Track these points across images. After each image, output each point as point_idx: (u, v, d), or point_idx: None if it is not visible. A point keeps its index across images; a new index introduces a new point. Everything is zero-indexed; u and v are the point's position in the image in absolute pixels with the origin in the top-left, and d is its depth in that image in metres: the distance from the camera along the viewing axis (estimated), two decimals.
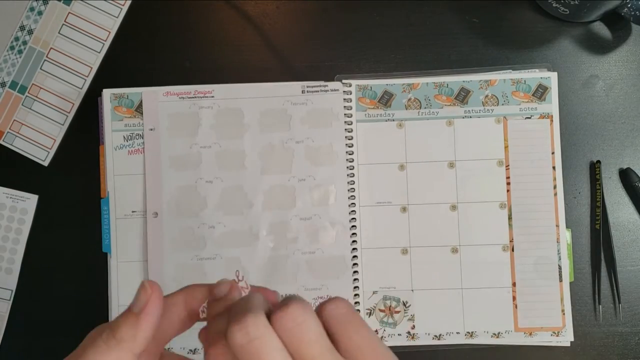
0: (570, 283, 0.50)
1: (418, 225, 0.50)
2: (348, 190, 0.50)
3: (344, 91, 0.51)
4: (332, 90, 0.51)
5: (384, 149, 0.51)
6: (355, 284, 0.50)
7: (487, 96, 0.51)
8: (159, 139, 0.51)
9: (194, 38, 0.53)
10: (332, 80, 0.52)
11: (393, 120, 0.51)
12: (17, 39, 0.53)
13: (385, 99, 0.51)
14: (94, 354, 0.25)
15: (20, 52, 0.53)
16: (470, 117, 0.51)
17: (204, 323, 0.28)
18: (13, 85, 0.53)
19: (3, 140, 0.53)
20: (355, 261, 0.50)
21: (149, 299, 0.25)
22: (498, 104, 0.51)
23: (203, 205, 0.50)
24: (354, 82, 0.51)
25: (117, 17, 0.53)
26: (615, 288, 0.51)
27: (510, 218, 0.50)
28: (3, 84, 0.53)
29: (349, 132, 0.51)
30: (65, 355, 0.26)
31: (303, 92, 0.51)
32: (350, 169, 0.51)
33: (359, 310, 0.50)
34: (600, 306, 0.51)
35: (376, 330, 0.50)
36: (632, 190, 0.51)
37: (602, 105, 0.52)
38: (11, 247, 0.52)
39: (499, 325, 0.50)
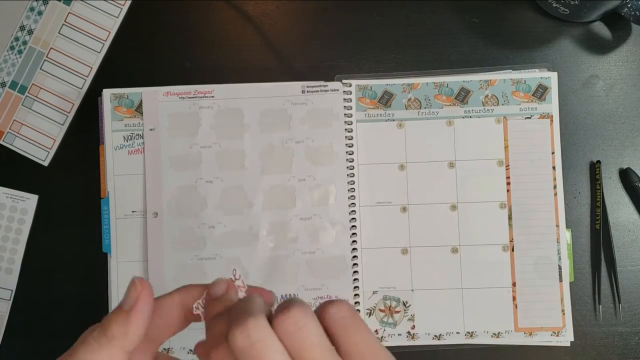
0: (570, 283, 0.50)
1: (418, 225, 0.50)
2: (348, 190, 0.50)
3: (344, 91, 0.51)
4: (332, 90, 0.51)
5: (384, 149, 0.51)
6: (355, 284, 0.50)
7: (487, 96, 0.51)
8: (159, 139, 0.51)
9: (194, 38, 0.53)
10: (332, 80, 0.52)
11: (393, 120, 0.51)
12: (17, 39, 0.53)
13: (385, 99, 0.51)
14: (85, 352, 0.25)
15: (20, 52, 0.53)
16: (470, 117, 0.51)
17: (201, 324, 0.27)
18: (13, 85, 0.53)
19: (3, 140, 0.53)
20: (355, 261, 0.50)
21: (139, 296, 0.25)
22: (498, 104, 0.51)
23: (203, 205, 0.50)
24: (354, 82, 0.51)
25: (117, 17, 0.53)
26: (615, 288, 0.51)
27: (510, 218, 0.50)
28: (3, 84, 0.53)
29: (349, 132, 0.51)
30: None
31: (303, 92, 0.51)
32: (350, 169, 0.51)
33: (359, 310, 0.50)
34: (600, 306, 0.51)
35: (376, 331, 0.50)
36: (632, 190, 0.51)
37: (602, 105, 0.52)
38: (11, 247, 0.52)
39: (499, 325, 0.50)
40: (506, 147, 0.51)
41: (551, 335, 0.50)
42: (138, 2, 0.53)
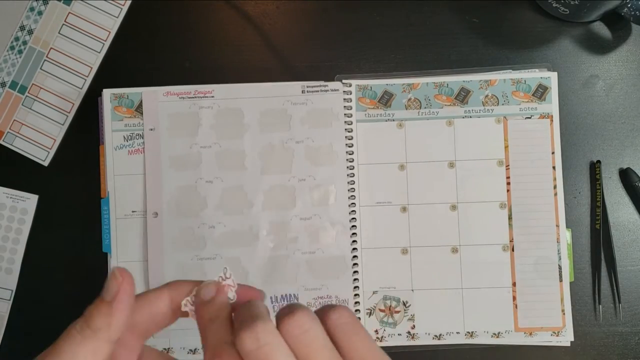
0: (570, 283, 0.50)
1: (418, 225, 0.50)
2: (348, 190, 0.50)
3: (344, 91, 0.51)
4: (332, 90, 0.51)
5: (384, 149, 0.51)
6: (355, 284, 0.50)
7: (487, 96, 0.51)
8: (159, 139, 0.51)
9: (194, 38, 0.53)
10: (332, 80, 0.52)
11: (393, 120, 0.51)
12: (17, 39, 0.53)
13: (385, 99, 0.51)
14: (70, 345, 0.25)
15: (20, 52, 0.53)
16: (470, 117, 0.51)
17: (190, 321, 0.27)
18: (13, 85, 0.53)
19: (3, 140, 0.53)
20: (355, 261, 0.50)
21: (120, 286, 0.25)
22: (498, 104, 0.51)
23: (203, 205, 0.50)
24: (354, 82, 0.51)
25: (117, 17, 0.53)
26: (615, 288, 0.51)
27: (510, 218, 0.50)
28: (3, 84, 0.53)
29: (349, 132, 0.51)
30: None
31: (303, 92, 0.51)
32: (350, 169, 0.51)
33: (359, 310, 0.50)
34: (600, 306, 0.51)
35: (376, 331, 0.50)
36: (632, 190, 0.51)
37: (602, 105, 0.52)
38: (11, 247, 0.52)
39: (499, 325, 0.50)
40: (506, 147, 0.51)
41: (551, 335, 0.50)
42: (138, 2, 0.53)
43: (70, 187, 0.52)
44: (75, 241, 0.52)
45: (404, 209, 0.51)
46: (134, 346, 0.27)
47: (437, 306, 0.50)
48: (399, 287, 0.50)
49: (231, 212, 0.50)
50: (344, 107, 0.51)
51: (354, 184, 0.51)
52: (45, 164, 0.53)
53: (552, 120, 0.51)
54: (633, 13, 0.48)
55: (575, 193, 0.52)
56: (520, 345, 0.50)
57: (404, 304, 0.50)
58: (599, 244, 0.51)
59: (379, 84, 0.51)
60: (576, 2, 0.48)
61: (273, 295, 0.50)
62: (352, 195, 0.50)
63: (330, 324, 0.24)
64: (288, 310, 0.24)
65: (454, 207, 0.50)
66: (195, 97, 0.51)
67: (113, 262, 0.50)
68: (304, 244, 0.50)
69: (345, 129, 0.51)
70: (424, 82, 0.51)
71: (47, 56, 0.53)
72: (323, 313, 0.25)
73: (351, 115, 0.51)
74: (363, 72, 0.52)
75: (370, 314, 0.50)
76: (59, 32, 0.53)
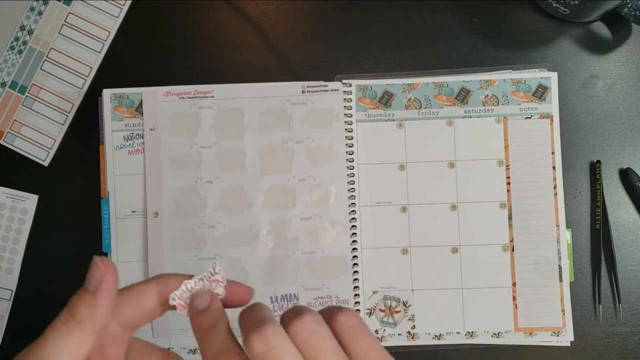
0: (570, 283, 0.50)
1: (418, 225, 0.50)
2: (348, 190, 0.50)
3: (344, 91, 0.51)
4: (332, 90, 0.51)
5: (384, 149, 0.51)
6: (355, 284, 0.50)
7: (487, 96, 0.51)
8: (159, 139, 0.51)
9: (194, 38, 0.53)
10: (332, 80, 0.52)
11: (393, 120, 0.51)
12: (17, 39, 0.53)
13: (385, 99, 0.51)
14: (55, 337, 0.25)
15: (20, 52, 0.53)
16: (471, 117, 0.51)
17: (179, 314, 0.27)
18: (13, 85, 0.53)
19: (3, 140, 0.53)
20: (355, 261, 0.50)
21: (103, 276, 0.25)
22: (498, 104, 0.51)
23: (203, 205, 0.50)
24: (354, 82, 0.51)
25: (117, 17, 0.53)
26: (615, 288, 0.51)
27: (510, 218, 0.50)
28: (3, 84, 0.53)
29: (349, 132, 0.51)
30: None
31: (303, 92, 0.51)
32: (350, 169, 0.51)
33: (359, 310, 0.50)
34: (600, 306, 0.51)
35: (376, 331, 0.50)
36: (632, 190, 0.51)
37: (602, 105, 0.52)
38: (11, 247, 0.52)
39: (499, 325, 0.50)
40: (506, 147, 0.51)
41: (551, 335, 0.50)
42: (138, 2, 0.53)
43: (70, 187, 0.52)
44: (75, 241, 0.52)
45: (404, 209, 0.51)
46: (122, 338, 0.27)
47: (437, 306, 0.50)
48: (399, 287, 0.50)
49: (231, 212, 0.50)
50: (344, 107, 0.51)
51: (354, 184, 0.51)
52: (45, 164, 0.53)
53: (552, 120, 0.51)
54: (633, 13, 0.48)
55: (575, 193, 0.52)
56: (520, 345, 0.50)
57: (404, 304, 0.50)
58: (599, 244, 0.51)
59: (379, 84, 0.51)
60: (576, 2, 0.48)
61: (273, 295, 0.50)
62: (352, 195, 0.50)
63: (337, 327, 0.25)
64: (295, 313, 0.24)
65: (454, 207, 0.50)
66: (195, 97, 0.51)
67: (113, 262, 0.50)
68: (304, 244, 0.50)
69: (345, 129, 0.51)
70: (424, 82, 0.51)
71: (47, 56, 0.53)
72: (330, 315, 0.25)
73: (351, 115, 0.51)
74: (363, 72, 0.52)
75: (370, 314, 0.50)
76: (59, 32, 0.53)
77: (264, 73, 0.52)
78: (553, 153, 0.50)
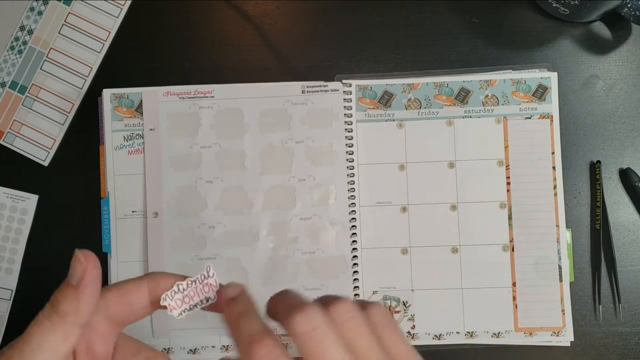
0: (570, 283, 0.50)
1: (418, 225, 0.50)
2: (348, 190, 0.50)
3: (344, 91, 0.51)
4: (332, 90, 0.51)
5: (384, 149, 0.51)
6: (355, 284, 0.50)
7: (487, 96, 0.51)
8: (159, 139, 0.51)
9: (194, 38, 0.53)
10: (332, 80, 0.52)
11: (393, 120, 0.51)
12: (17, 39, 0.53)
13: (385, 99, 0.51)
14: (40, 333, 0.24)
15: (20, 52, 0.53)
16: (470, 117, 0.51)
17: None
18: (13, 85, 0.53)
19: (3, 140, 0.53)
20: (355, 261, 0.50)
21: (85, 269, 0.25)
22: (498, 104, 0.51)
23: (203, 205, 0.50)
24: (354, 82, 0.51)
25: (117, 17, 0.53)
26: (615, 288, 0.51)
27: (510, 218, 0.50)
28: (3, 84, 0.53)
29: (349, 132, 0.51)
30: None
31: (303, 92, 0.51)
32: (350, 169, 0.51)
33: None
34: (600, 306, 0.51)
35: None
36: (632, 190, 0.51)
37: (602, 105, 0.52)
38: (11, 247, 0.52)
39: (499, 325, 0.50)
40: (506, 147, 0.51)
41: (551, 335, 0.50)
42: (138, 2, 0.53)
43: (70, 187, 0.52)
44: (75, 241, 0.52)
45: (404, 209, 0.51)
46: (110, 335, 0.27)
47: (437, 306, 0.50)
48: (399, 287, 0.50)
49: (231, 212, 0.50)
50: (344, 107, 0.51)
51: (354, 184, 0.51)
52: (45, 164, 0.53)
53: (552, 121, 0.51)
54: (633, 13, 0.48)
55: (575, 193, 0.52)
56: (520, 345, 0.50)
57: (404, 304, 0.50)
58: (599, 244, 0.51)
59: (379, 84, 0.51)
60: (576, 2, 0.48)
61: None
62: (352, 195, 0.50)
63: (370, 316, 0.25)
64: (332, 299, 0.25)
65: (454, 207, 0.50)
66: (195, 97, 0.51)
67: (113, 262, 0.50)
68: (304, 244, 0.50)
69: (345, 129, 0.51)
70: (424, 82, 0.51)
71: (47, 56, 0.53)
72: (362, 306, 0.26)
73: (351, 115, 0.51)
74: (363, 72, 0.52)
75: None
76: (59, 32, 0.53)
77: (264, 73, 0.52)
78: (553, 153, 0.50)
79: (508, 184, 0.50)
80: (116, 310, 0.27)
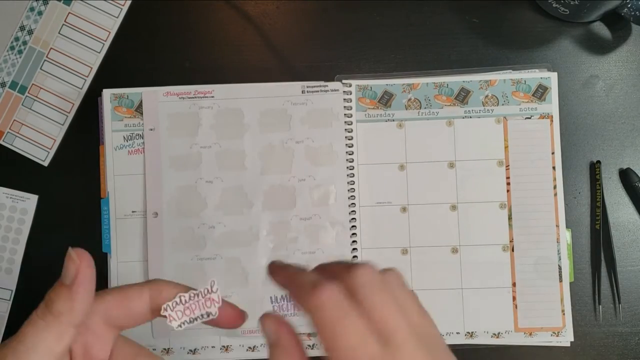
0: (570, 283, 0.50)
1: (418, 225, 0.50)
2: (348, 190, 0.50)
3: (344, 91, 0.51)
4: (332, 90, 0.51)
5: (384, 149, 0.51)
6: None
7: (487, 96, 0.51)
8: (159, 139, 0.51)
9: (194, 38, 0.53)
10: (332, 80, 0.52)
11: (393, 120, 0.51)
12: (17, 39, 0.53)
13: (385, 99, 0.51)
14: (34, 332, 0.24)
15: (20, 52, 0.53)
16: (470, 117, 0.51)
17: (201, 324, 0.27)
18: (13, 85, 0.53)
19: (3, 140, 0.53)
20: (355, 261, 0.50)
21: (78, 268, 0.25)
22: (498, 104, 0.51)
23: (203, 205, 0.50)
24: (354, 82, 0.51)
25: (117, 17, 0.53)
26: (615, 288, 0.51)
27: (510, 218, 0.50)
28: (3, 84, 0.53)
29: (349, 132, 0.51)
30: None
31: (303, 92, 0.51)
32: (350, 169, 0.51)
33: None
34: (600, 306, 0.51)
35: None
36: (632, 190, 0.51)
37: (602, 105, 0.52)
38: (11, 247, 0.52)
39: (499, 325, 0.50)
40: (506, 147, 0.51)
41: (551, 335, 0.50)
42: (138, 2, 0.53)
43: (70, 187, 0.52)
44: (75, 241, 0.51)
45: (404, 209, 0.51)
46: (108, 338, 0.27)
47: (437, 306, 0.50)
48: None
49: (231, 212, 0.50)
50: (344, 107, 0.51)
51: (354, 184, 0.51)
52: (45, 164, 0.53)
53: (552, 121, 0.51)
54: (633, 13, 0.48)
55: (575, 193, 0.52)
56: (520, 346, 0.50)
57: None
58: (599, 244, 0.51)
59: (379, 84, 0.51)
60: (576, 2, 0.48)
61: (273, 295, 0.50)
62: (352, 195, 0.50)
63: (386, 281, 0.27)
64: (381, 269, 0.27)
65: (454, 207, 0.50)
66: (195, 97, 0.51)
67: (113, 262, 0.50)
68: (304, 244, 0.50)
69: (345, 129, 0.51)
70: (424, 82, 0.51)
71: (47, 56, 0.53)
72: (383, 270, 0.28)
73: (351, 116, 0.51)
74: (363, 72, 0.52)
75: None
76: (59, 32, 0.53)
77: (264, 73, 0.52)
78: (553, 153, 0.50)
79: (508, 184, 0.50)
80: (115, 314, 0.27)
